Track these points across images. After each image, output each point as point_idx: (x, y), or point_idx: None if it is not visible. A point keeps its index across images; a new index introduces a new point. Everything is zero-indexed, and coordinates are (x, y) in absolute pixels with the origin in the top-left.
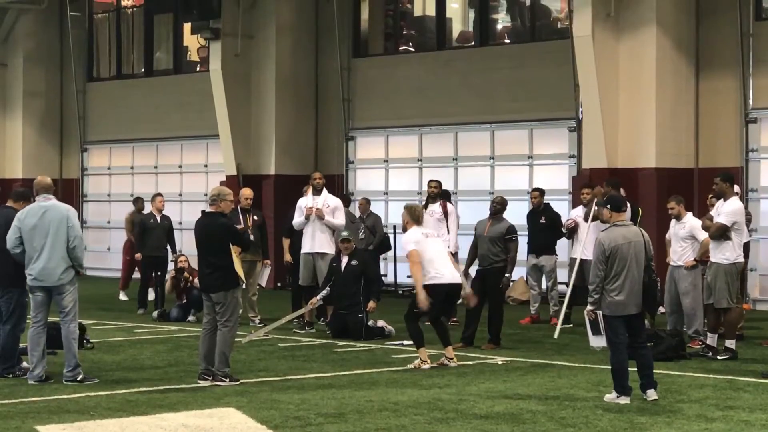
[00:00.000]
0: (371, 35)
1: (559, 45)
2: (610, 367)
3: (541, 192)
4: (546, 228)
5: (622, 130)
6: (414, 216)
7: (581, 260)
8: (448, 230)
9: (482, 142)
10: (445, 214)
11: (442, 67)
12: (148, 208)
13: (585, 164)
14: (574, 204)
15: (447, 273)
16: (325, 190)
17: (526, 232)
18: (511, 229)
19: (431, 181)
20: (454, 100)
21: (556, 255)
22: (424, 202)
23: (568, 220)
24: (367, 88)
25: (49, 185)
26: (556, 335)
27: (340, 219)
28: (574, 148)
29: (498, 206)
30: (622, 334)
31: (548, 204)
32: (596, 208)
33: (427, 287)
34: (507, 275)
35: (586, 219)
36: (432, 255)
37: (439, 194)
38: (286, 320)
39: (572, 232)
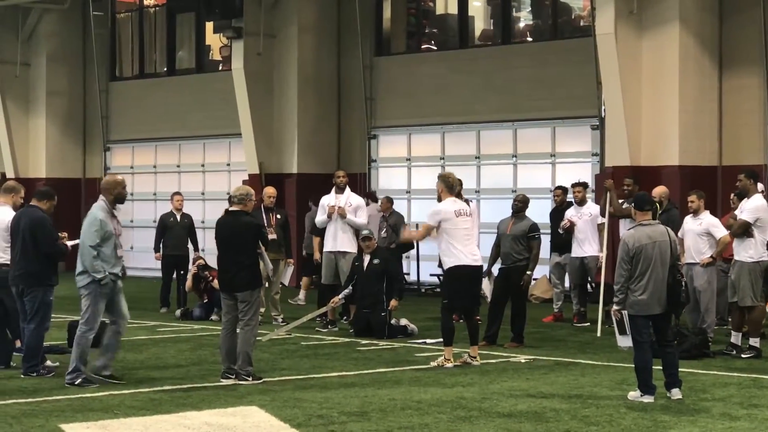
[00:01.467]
0: (393, 34)
1: (581, 43)
2: (633, 366)
3: (564, 190)
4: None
5: (645, 127)
6: (448, 185)
7: (580, 258)
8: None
9: (505, 141)
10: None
11: (465, 66)
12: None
13: (608, 162)
14: (597, 201)
15: (469, 255)
16: (348, 189)
17: (549, 230)
18: (534, 227)
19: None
20: (476, 98)
21: None
22: None
23: (563, 221)
24: (389, 86)
25: (104, 186)
26: (598, 334)
27: (362, 218)
28: (596, 146)
29: (520, 204)
30: (646, 333)
31: (571, 202)
32: (610, 201)
33: (450, 269)
34: (529, 273)
35: (603, 213)
36: (459, 235)
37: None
38: (308, 319)
39: (569, 233)
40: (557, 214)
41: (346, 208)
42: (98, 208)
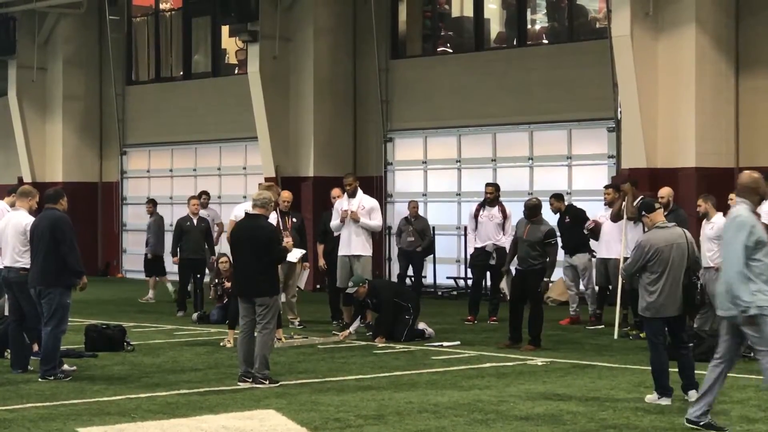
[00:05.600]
0: (409, 36)
1: (597, 45)
2: (650, 368)
3: (557, 197)
4: (572, 227)
5: (662, 129)
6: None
7: (605, 259)
8: (504, 232)
9: (521, 143)
10: (505, 217)
11: (480, 68)
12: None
13: (624, 164)
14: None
15: None
16: (360, 192)
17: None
18: (550, 233)
19: (488, 185)
20: (492, 100)
21: (589, 253)
22: (476, 207)
23: (588, 221)
24: (405, 89)
25: (747, 185)
26: (616, 336)
27: (376, 220)
28: (613, 148)
29: (527, 212)
30: (662, 335)
31: (570, 204)
32: (625, 204)
33: None
34: (546, 279)
35: (613, 219)
36: None
37: (497, 198)
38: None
39: (594, 233)
40: (560, 219)
41: (359, 211)
42: (743, 210)
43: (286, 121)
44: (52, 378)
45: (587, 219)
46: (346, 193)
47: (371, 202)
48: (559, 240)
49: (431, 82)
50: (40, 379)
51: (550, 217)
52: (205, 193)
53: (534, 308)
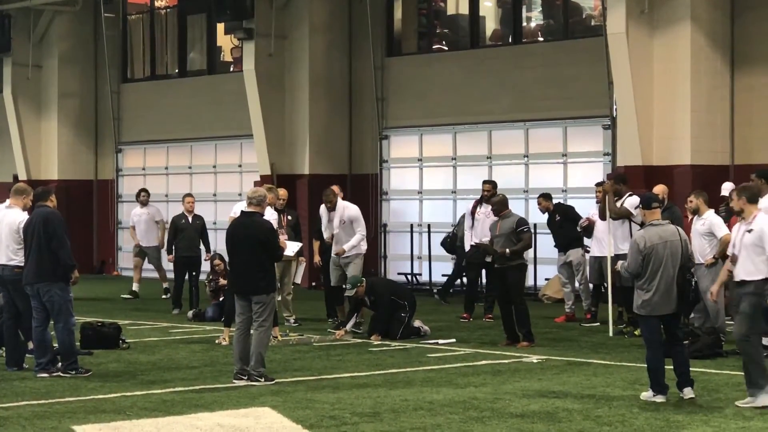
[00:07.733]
0: (405, 34)
1: (592, 42)
2: (645, 365)
3: (545, 196)
4: (563, 224)
5: (657, 127)
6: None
7: (599, 257)
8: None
9: (516, 141)
10: None
11: (476, 66)
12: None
13: (620, 162)
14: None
15: None
16: (341, 202)
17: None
18: (521, 222)
19: (485, 182)
20: (487, 98)
21: (582, 248)
22: (472, 205)
23: (582, 219)
24: (400, 87)
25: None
26: (611, 334)
27: (359, 231)
28: (608, 145)
29: (494, 207)
30: (657, 332)
31: (558, 203)
32: (607, 203)
33: None
34: (508, 250)
35: (601, 217)
36: None
37: (494, 195)
38: (351, 326)
39: (588, 231)
40: (550, 218)
41: (342, 226)
42: None
43: (281, 119)
44: (74, 372)
45: (577, 215)
46: (326, 206)
47: (352, 212)
48: (550, 238)
49: (427, 79)
50: (62, 374)
51: (540, 217)
52: (144, 191)
53: (517, 305)
